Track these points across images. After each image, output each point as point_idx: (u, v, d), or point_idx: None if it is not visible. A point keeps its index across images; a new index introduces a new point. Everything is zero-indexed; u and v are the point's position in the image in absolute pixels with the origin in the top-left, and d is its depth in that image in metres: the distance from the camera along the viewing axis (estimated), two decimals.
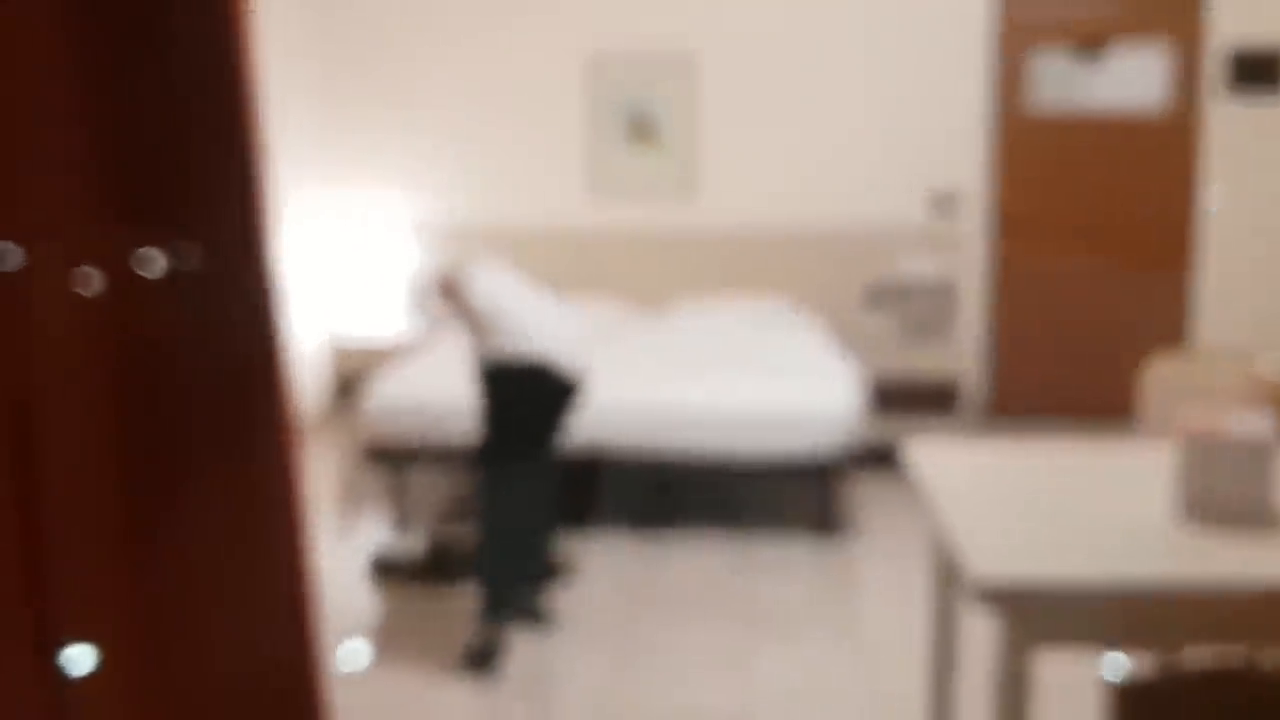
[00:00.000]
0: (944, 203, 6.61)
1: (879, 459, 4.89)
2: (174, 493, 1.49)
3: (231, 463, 1.50)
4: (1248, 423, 2.35)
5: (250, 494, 1.51)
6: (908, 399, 6.46)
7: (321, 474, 5.98)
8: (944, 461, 2.74)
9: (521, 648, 3.97)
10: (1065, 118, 6.61)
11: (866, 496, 5.37)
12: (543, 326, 3.98)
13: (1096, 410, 6.39)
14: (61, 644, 1.41)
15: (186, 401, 1.46)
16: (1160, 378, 3.13)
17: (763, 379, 5.13)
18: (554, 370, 3.96)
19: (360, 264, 6.95)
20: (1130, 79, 6.56)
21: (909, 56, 6.59)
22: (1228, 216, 6.60)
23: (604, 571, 4.62)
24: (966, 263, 6.64)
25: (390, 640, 4.11)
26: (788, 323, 6.04)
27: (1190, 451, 2.32)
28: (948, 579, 2.83)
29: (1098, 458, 2.82)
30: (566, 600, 4.33)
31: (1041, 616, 2.10)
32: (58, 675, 1.41)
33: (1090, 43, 6.54)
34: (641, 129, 6.79)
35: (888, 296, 6.66)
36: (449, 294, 4.02)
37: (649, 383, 5.10)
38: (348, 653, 3.93)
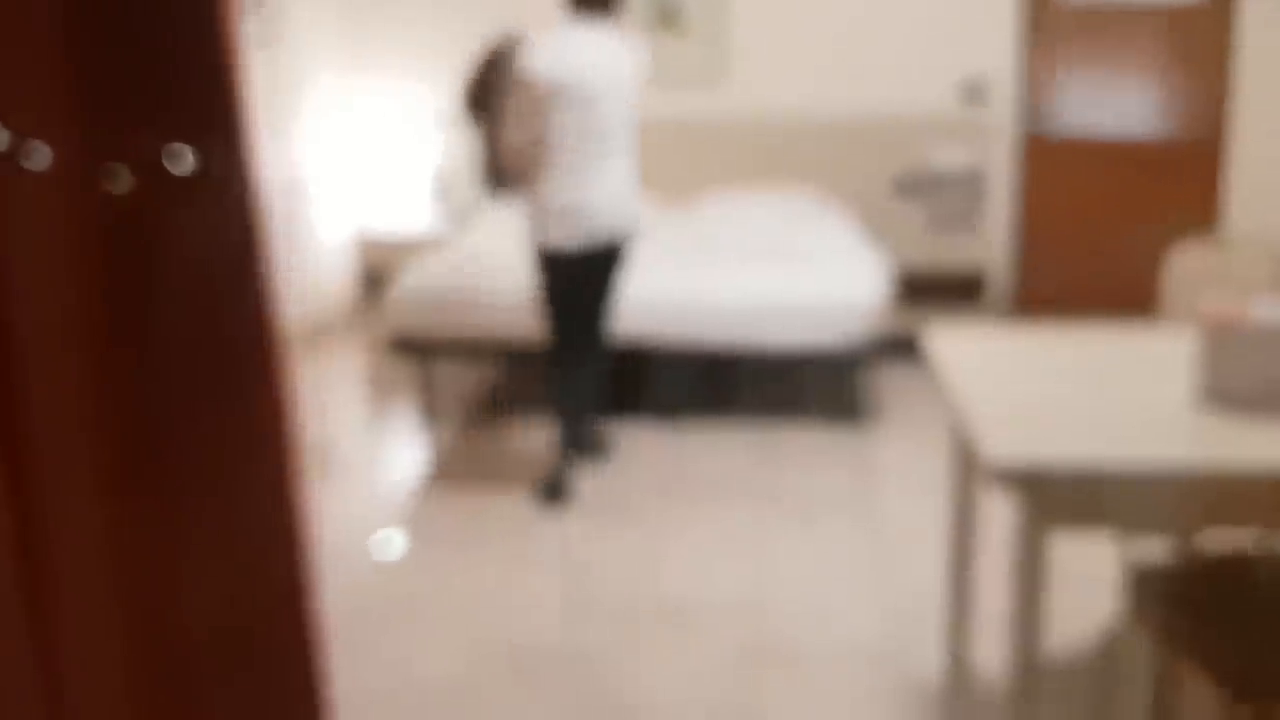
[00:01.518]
0: (974, 92, 6.49)
1: (905, 349, 4.88)
2: (161, 411, 1.46)
3: (219, 376, 1.47)
4: (1270, 309, 2.32)
5: (238, 416, 1.48)
6: (935, 290, 6.42)
7: (349, 368, 6.03)
8: (964, 348, 2.72)
9: (550, 528, 4.03)
10: (1099, 6, 6.46)
11: (892, 386, 5.37)
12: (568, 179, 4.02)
13: (1125, 302, 6.32)
14: (46, 559, 1.39)
15: (174, 308, 1.43)
16: (1185, 265, 3.10)
17: (791, 270, 5.09)
18: (565, 253, 4.05)
19: (387, 156, 6.91)
20: None
21: None
22: (1261, 104, 6.45)
23: (632, 458, 4.66)
24: (995, 153, 6.54)
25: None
26: (816, 214, 5.98)
27: (1211, 337, 2.30)
28: (967, 465, 2.83)
29: (1120, 344, 2.79)
30: (595, 486, 4.39)
31: (1058, 498, 2.10)
32: (43, 605, 1.39)
33: None
34: (668, 16, 6.68)
35: (917, 187, 6.58)
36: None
37: (677, 274, 5.07)
38: (382, 542, 4.00)
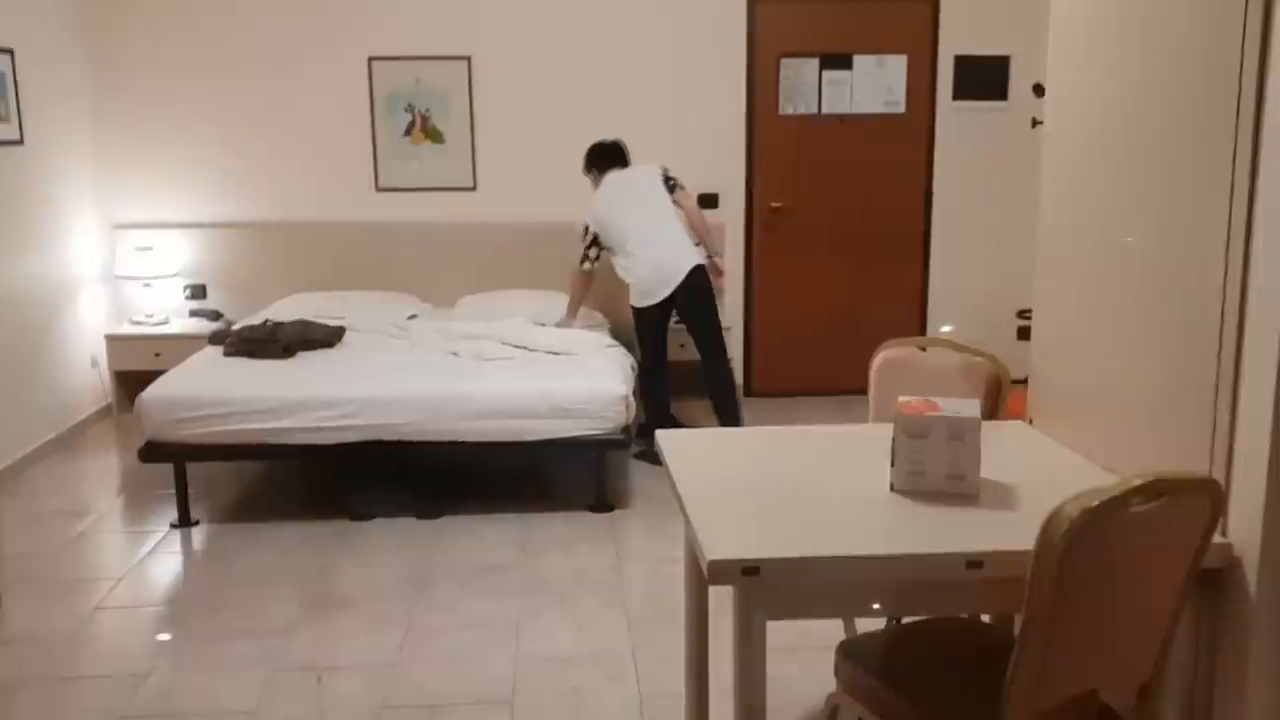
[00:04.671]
0: (709, 199, 6.76)
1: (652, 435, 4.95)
2: None
3: None
4: (955, 406, 2.47)
5: None
6: (678, 381, 6.58)
7: (103, 471, 5.71)
8: (692, 447, 2.79)
9: (310, 627, 3.88)
10: (814, 120, 6.85)
11: (640, 472, 5.47)
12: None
13: (844, 388, 6.73)
14: None
15: None
16: (887, 363, 3.27)
17: (542, 370, 5.10)
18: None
19: (142, 260, 6.63)
20: (871, 86, 6.83)
21: (672, 65, 6.68)
22: (954, 211, 6.96)
23: (393, 554, 4.54)
24: (729, 254, 6.79)
25: None
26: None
27: (902, 430, 2.39)
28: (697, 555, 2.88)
29: (830, 439, 2.90)
30: (358, 584, 4.27)
31: (770, 593, 2.12)
32: None
33: (836, 53, 6.79)
34: (423, 128, 6.74)
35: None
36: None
37: (436, 374, 5.03)
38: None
